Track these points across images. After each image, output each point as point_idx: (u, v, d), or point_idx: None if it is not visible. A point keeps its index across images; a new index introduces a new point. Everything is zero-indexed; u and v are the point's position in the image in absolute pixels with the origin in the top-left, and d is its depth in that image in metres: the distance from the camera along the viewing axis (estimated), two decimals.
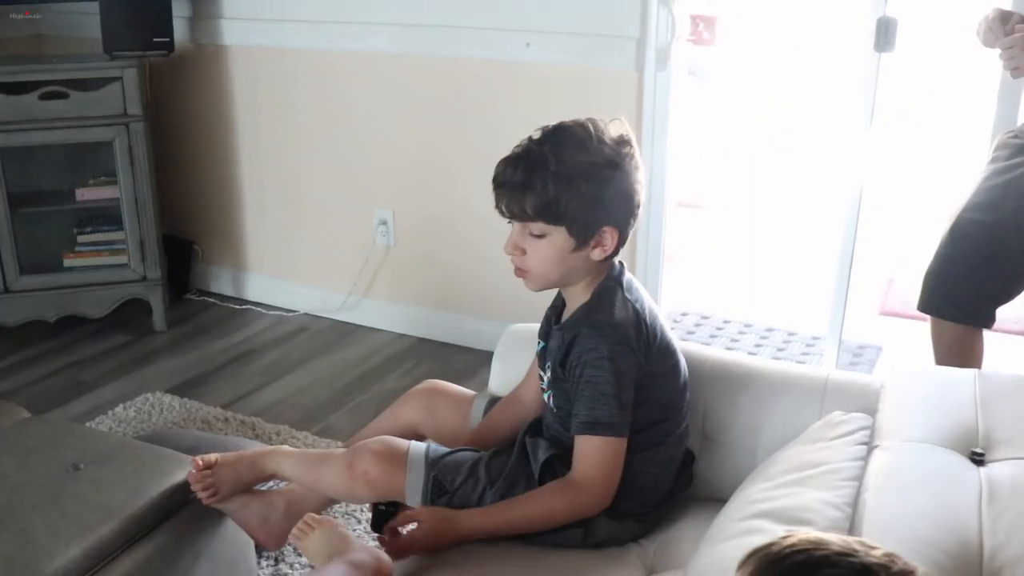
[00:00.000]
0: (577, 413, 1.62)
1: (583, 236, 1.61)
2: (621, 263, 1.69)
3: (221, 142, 3.96)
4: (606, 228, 1.60)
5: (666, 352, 1.70)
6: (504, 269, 3.31)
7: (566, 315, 1.72)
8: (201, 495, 1.88)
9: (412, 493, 1.69)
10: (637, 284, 1.71)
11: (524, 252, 1.63)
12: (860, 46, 2.92)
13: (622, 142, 1.61)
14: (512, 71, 3.28)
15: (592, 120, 1.61)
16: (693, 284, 4.36)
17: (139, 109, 3.53)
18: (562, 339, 1.68)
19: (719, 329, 3.89)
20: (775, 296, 4.28)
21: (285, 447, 1.93)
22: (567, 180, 1.57)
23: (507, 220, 1.65)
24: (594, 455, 1.61)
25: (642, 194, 1.63)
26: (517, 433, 1.81)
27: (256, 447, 2.52)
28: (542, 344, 1.79)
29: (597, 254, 1.63)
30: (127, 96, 3.51)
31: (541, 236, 1.61)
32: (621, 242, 1.64)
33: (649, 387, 1.66)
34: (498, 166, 1.62)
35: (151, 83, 3.83)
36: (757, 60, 5.87)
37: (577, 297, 1.69)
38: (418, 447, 1.73)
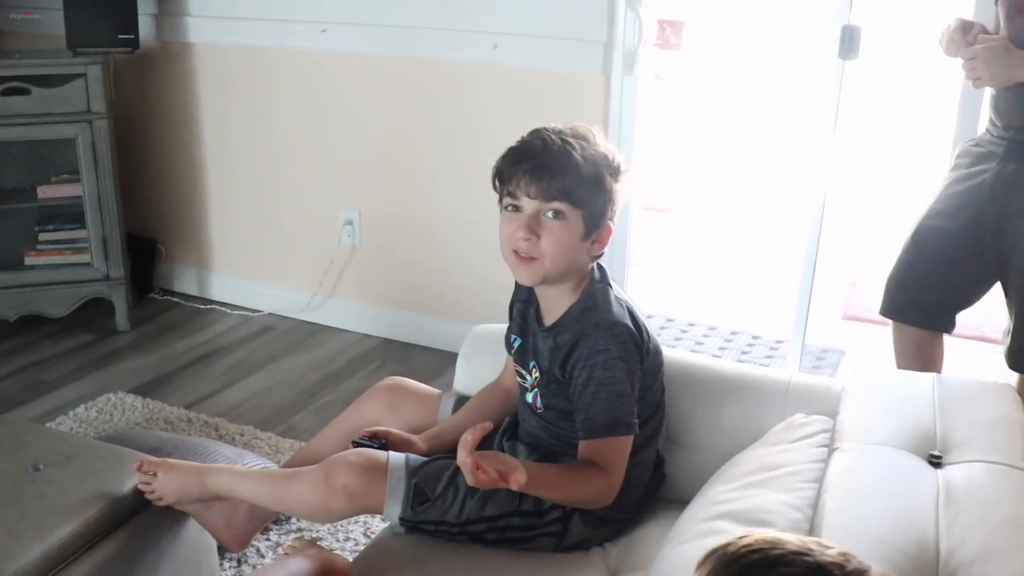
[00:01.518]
0: (591, 416, 1.61)
1: (592, 226, 1.63)
2: (603, 267, 1.71)
3: (186, 141, 3.94)
4: (608, 224, 1.64)
5: (656, 350, 1.73)
6: (470, 269, 3.53)
7: (549, 315, 1.71)
8: (148, 497, 1.86)
9: (392, 503, 1.68)
10: (620, 287, 1.73)
11: (538, 238, 1.62)
12: (825, 53, 2.95)
13: (615, 150, 1.66)
14: (479, 73, 3.28)
15: (585, 125, 1.66)
16: (659, 287, 4.36)
17: (103, 106, 3.51)
18: (556, 341, 1.67)
19: (684, 332, 3.90)
20: (740, 300, 4.29)
21: (238, 466, 1.91)
22: (592, 166, 1.60)
23: (508, 208, 1.63)
24: (617, 455, 1.61)
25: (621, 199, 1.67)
26: (506, 418, 1.83)
27: (222, 449, 2.51)
28: (519, 341, 1.78)
29: (595, 249, 1.65)
30: (91, 93, 3.48)
31: (558, 218, 1.60)
32: (606, 243, 1.68)
33: (643, 384, 1.67)
34: (513, 152, 1.63)
35: (116, 80, 3.80)
36: (723, 65, 5.91)
37: (560, 298, 1.69)
38: (397, 456, 1.71)
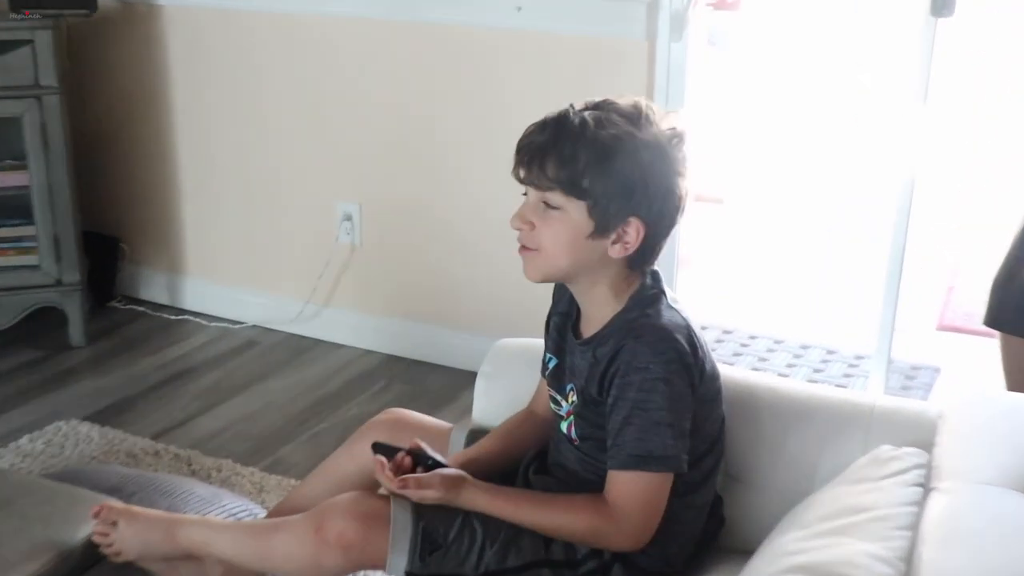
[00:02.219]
0: (621, 444, 1.63)
1: (604, 222, 1.63)
2: (656, 273, 1.72)
3: (155, 121, 3.94)
4: (632, 219, 1.63)
5: (713, 372, 1.73)
6: (493, 273, 3.54)
7: (588, 326, 1.74)
8: (105, 551, 1.85)
9: (397, 554, 1.68)
10: (675, 295, 1.74)
11: (533, 227, 1.66)
12: (913, 10, 2.93)
13: (674, 133, 1.65)
14: (501, 40, 3.30)
15: (648, 103, 1.66)
16: (713, 292, 4.37)
17: (54, 79, 3.51)
18: (594, 356, 1.69)
19: (744, 346, 3.91)
20: (811, 306, 4.29)
21: (215, 518, 1.90)
22: (600, 151, 1.60)
23: (523, 192, 1.69)
24: (638, 493, 1.63)
25: (685, 195, 1.66)
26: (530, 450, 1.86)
27: (195, 488, 2.49)
28: (554, 361, 1.81)
29: (617, 251, 1.65)
30: (39, 63, 3.49)
31: (557, 209, 1.64)
32: (649, 244, 1.66)
33: (697, 414, 1.67)
34: (525, 132, 1.67)
35: (70, 48, 3.81)
36: (788, 28, 5.91)
37: (601, 304, 1.71)
38: (401, 501, 1.73)
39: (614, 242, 1.64)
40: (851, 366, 3.71)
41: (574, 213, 1.63)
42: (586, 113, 1.63)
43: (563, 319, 1.81)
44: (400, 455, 1.75)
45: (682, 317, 1.68)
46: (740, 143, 5.58)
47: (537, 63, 3.26)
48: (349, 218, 3.70)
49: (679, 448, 1.62)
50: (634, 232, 1.63)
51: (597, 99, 1.66)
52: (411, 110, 3.50)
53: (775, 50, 5.89)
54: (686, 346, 1.63)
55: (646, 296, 1.68)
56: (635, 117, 1.63)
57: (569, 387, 1.75)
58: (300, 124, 3.70)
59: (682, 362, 1.62)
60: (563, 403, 1.78)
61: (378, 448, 1.78)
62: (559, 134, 1.62)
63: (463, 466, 1.82)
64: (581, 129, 1.61)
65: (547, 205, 1.64)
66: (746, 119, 5.69)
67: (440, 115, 3.46)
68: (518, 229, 1.67)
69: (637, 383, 1.61)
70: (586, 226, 1.63)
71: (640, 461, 1.61)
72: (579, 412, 1.74)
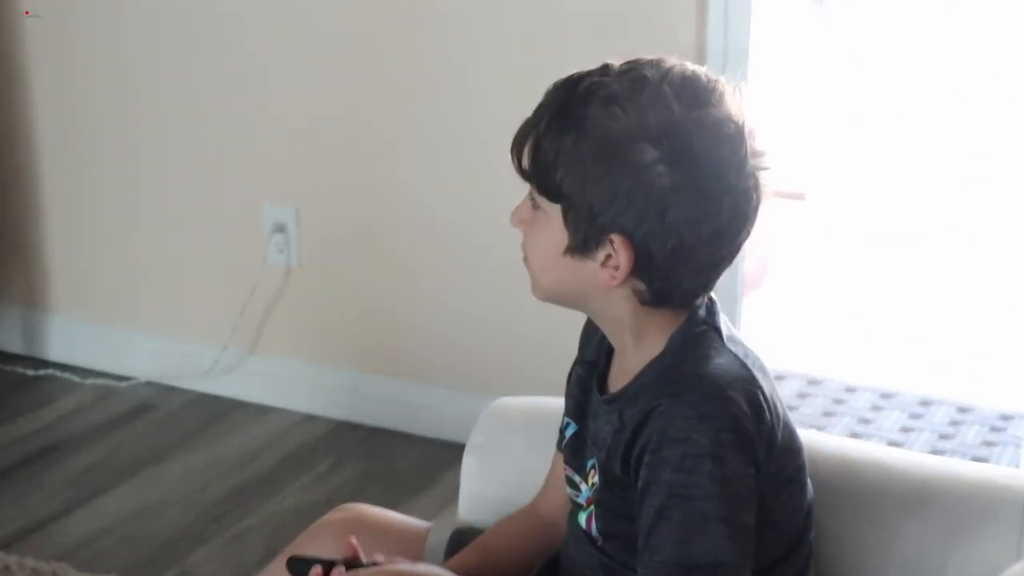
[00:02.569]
0: (655, 547, 1.61)
1: (581, 234, 1.65)
2: (711, 301, 1.73)
3: (5, 114, 3.95)
4: (622, 239, 1.63)
5: (791, 442, 1.72)
6: (486, 303, 3.53)
7: (618, 378, 1.75)
8: None
9: None
10: (736, 333, 1.74)
11: (523, 226, 1.72)
12: None
13: (730, 125, 1.63)
14: None
15: (713, 76, 1.66)
16: (792, 326, 4.35)
17: None
18: (620, 418, 1.69)
19: (839, 402, 3.89)
20: (931, 346, 4.26)
21: None
22: (583, 139, 1.63)
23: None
24: None
25: (744, 213, 1.66)
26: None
27: None
28: (573, 428, 1.82)
29: (603, 277, 1.65)
30: None
31: (540, 210, 1.69)
32: (661, 275, 1.65)
33: (768, 500, 1.66)
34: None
35: None
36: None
37: (631, 347, 1.72)
38: None
39: (603, 265, 1.65)
40: (995, 430, 3.68)
41: (552, 218, 1.66)
42: (606, 80, 1.64)
43: (588, 370, 1.81)
44: (336, 572, 1.75)
45: (742, 364, 1.67)
46: (832, 125, 5.68)
47: (536, 19, 3.29)
48: (282, 230, 3.70)
49: (737, 552, 1.60)
50: (624, 257, 1.63)
51: (648, 57, 1.66)
52: (365, 89, 3.53)
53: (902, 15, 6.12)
54: (745, 406, 1.62)
55: (691, 335, 1.68)
56: (663, 93, 1.62)
57: (591, 463, 1.75)
58: (210, 108, 3.73)
59: (738, 430, 1.60)
60: (582, 486, 1.78)
61: (295, 567, 1.78)
62: (554, 107, 1.65)
63: None
64: (575, 103, 1.64)
65: (534, 203, 1.69)
66: (845, 96, 5.82)
67: (410, 83, 3.47)
68: (515, 227, 1.72)
69: (675, 460, 1.59)
70: (560, 238, 1.66)
71: (682, 572, 1.59)
72: (600, 498, 1.73)
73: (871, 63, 6.23)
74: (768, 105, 3.59)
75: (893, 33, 6.28)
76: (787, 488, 1.71)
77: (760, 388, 1.66)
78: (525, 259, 1.72)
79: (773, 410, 1.66)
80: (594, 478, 1.74)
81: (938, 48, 6.36)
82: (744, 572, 1.60)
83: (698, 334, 1.68)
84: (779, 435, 1.67)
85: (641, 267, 1.63)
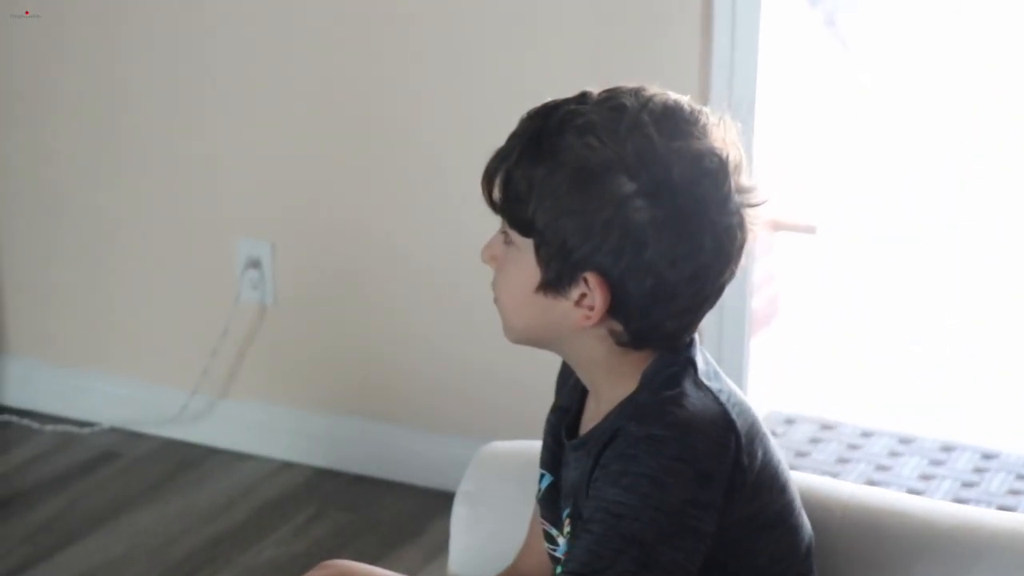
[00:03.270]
0: (570, 555, 1.64)
1: (554, 271, 1.65)
2: (693, 340, 1.74)
3: None
4: (597, 278, 1.63)
5: (772, 483, 1.70)
6: (468, 341, 3.57)
7: (591, 420, 1.75)
8: None
9: None
10: (719, 369, 1.76)
11: (495, 263, 1.73)
12: None
13: (713, 158, 1.62)
14: (479, 3, 3.40)
15: (698, 106, 1.67)
16: (804, 366, 4.39)
17: None
18: (588, 460, 1.69)
19: (855, 447, 3.89)
20: (953, 387, 4.29)
21: None
22: (557, 169, 1.63)
23: None
24: None
25: (724, 263, 1.66)
26: None
27: None
28: (548, 479, 1.83)
29: (578, 318, 1.66)
30: None
31: (513, 245, 1.69)
32: (639, 316, 1.65)
33: (745, 543, 1.68)
34: None
35: None
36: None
37: (608, 388, 1.72)
38: None
39: (576, 304, 1.65)
40: (1022, 477, 3.70)
41: (524, 254, 1.67)
42: (583, 108, 1.65)
43: (560, 416, 1.82)
44: None
45: (715, 399, 1.66)
46: (843, 152, 5.82)
47: (529, 31, 3.32)
48: (256, 265, 3.69)
49: None
50: (600, 295, 1.63)
51: (629, 86, 1.66)
52: (352, 95, 3.53)
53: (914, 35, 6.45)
54: (709, 443, 1.61)
55: (665, 373, 1.67)
56: (668, 125, 1.63)
57: (566, 513, 1.75)
58: (181, 134, 3.72)
59: (694, 464, 1.59)
60: (559, 540, 1.78)
61: None
62: (527, 136, 1.66)
63: None
64: (555, 133, 1.63)
65: (506, 238, 1.70)
66: (856, 119, 6.03)
67: (396, 106, 3.50)
68: (486, 263, 1.74)
69: (616, 475, 1.60)
70: (533, 275, 1.66)
71: None
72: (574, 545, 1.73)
73: (871, 63, 6.58)
74: (776, 130, 3.59)
75: (893, 33, 6.65)
76: (768, 531, 1.70)
77: (732, 426, 1.65)
78: (496, 299, 1.73)
79: (746, 450, 1.65)
80: (567, 528, 1.75)
81: (938, 48, 6.70)
82: None
83: (673, 372, 1.68)
84: (752, 476, 1.66)
85: (617, 307, 1.65)
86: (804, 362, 4.43)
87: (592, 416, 1.75)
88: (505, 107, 2.88)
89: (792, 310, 4.71)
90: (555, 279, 1.65)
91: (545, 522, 1.81)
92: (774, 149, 4.07)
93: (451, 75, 3.41)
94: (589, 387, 1.76)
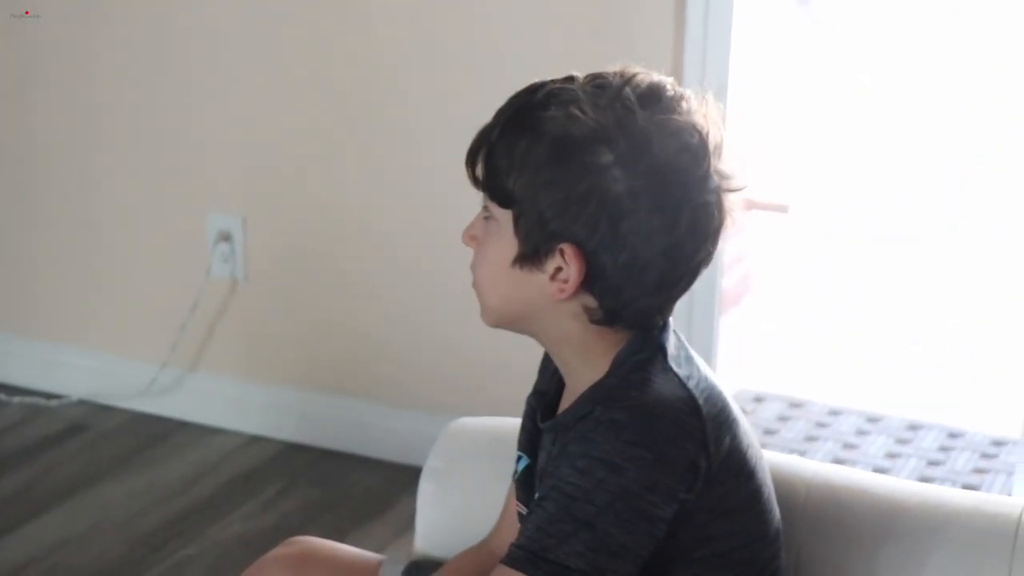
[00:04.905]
0: (521, 530, 1.65)
1: (532, 243, 1.67)
2: (664, 323, 1.74)
3: None
4: (572, 248, 1.65)
5: (739, 470, 1.71)
6: (447, 320, 3.53)
7: (563, 405, 1.77)
8: None
9: None
10: (694, 354, 1.76)
11: (475, 244, 1.74)
12: None
13: (694, 135, 1.65)
14: None
15: (679, 88, 1.68)
16: (774, 346, 4.41)
17: None
18: (554, 443, 1.72)
19: (823, 426, 3.92)
20: (920, 367, 4.30)
21: None
22: (538, 141, 1.64)
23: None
24: None
25: (699, 242, 1.67)
26: None
27: None
28: (526, 461, 1.83)
29: (552, 290, 1.67)
30: None
31: (492, 220, 1.71)
32: (613, 292, 1.67)
33: (709, 527, 1.68)
34: None
35: None
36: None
37: (580, 369, 1.74)
38: None
39: (552, 278, 1.67)
40: (986, 456, 3.70)
41: (503, 229, 1.68)
42: (569, 87, 1.66)
43: (538, 400, 1.83)
44: None
45: (682, 385, 1.68)
46: (816, 132, 5.83)
47: (511, 10, 3.31)
48: (227, 238, 3.70)
49: (588, 566, 1.60)
50: (574, 268, 1.65)
51: (614, 68, 1.68)
52: (325, 67, 3.53)
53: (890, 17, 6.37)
54: (670, 429, 1.63)
55: (635, 358, 1.69)
56: (650, 100, 1.65)
57: (537, 496, 1.74)
58: (149, 102, 3.71)
59: (653, 450, 1.61)
60: None
61: None
62: (511, 111, 1.68)
63: None
64: (538, 107, 1.65)
65: (486, 213, 1.71)
66: (831, 99, 6.01)
67: (370, 80, 3.49)
68: (467, 245, 1.74)
69: (573, 457, 1.62)
70: (510, 248, 1.68)
71: (528, 558, 1.61)
72: None
73: (871, 63, 6.52)
74: (751, 112, 3.62)
75: (893, 33, 6.62)
76: (734, 517, 1.71)
77: (697, 412, 1.66)
78: (474, 282, 1.74)
79: (712, 436, 1.66)
80: None
81: (938, 48, 6.67)
82: None
83: (643, 358, 1.69)
84: (717, 463, 1.66)
85: (592, 281, 1.65)
86: (774, 341, 4.43)
87: (567, 400, 1.76)
88: (479, 84, 2.95)
89: (763, 289, 4.73)
90: (532, 251, 1.66)
91: (519, 504, 1.82)
92: (747, 128, 4.08)
93: (424, 51, 3.39)
94: (563, 370, 1.77)
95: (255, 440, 3.71)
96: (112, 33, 3.71)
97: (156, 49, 3.67)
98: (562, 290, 1.66)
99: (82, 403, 3.89)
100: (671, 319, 1.73)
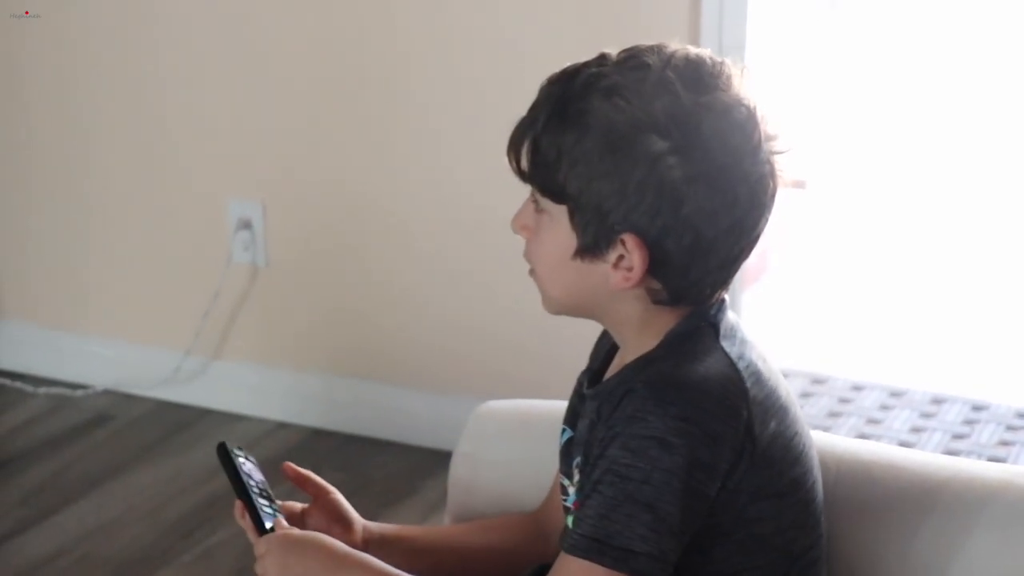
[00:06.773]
0: (581, 518, 1.64)
1: (591, 235, 1.66)
2: (722, 301, 1.75)
3: None
4: (634, 238, 1.65)
5: (783, 455, 1.71)
6: (462, 300, 3.50)
7: (610, 373, 1.78)
8: None
9: None
10: (749, 337, 1.76)
11: (529, 233, 1.73)
12: None
13: (741, 109, 1.65)
14: None
15: (711, 58, 1.67)
16: (795, 321, 4.39)
17: None
18: (597, 412, 1.71)
19: (845, 401, 3.92)
20: (944, 340, 4.27)
21: None
22: (586, 134, 1.64)
23: None
24: None
25: (759, 214, 1.68)
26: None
27: None
28: (568, 433, 1.84)
29: (617, 280, 1.67)
30: None
31: (545, 213, 1.70)
32: (678, 273, 1.67)
33: (752, 513, 1.68)
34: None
35: None
36: None
37: (635, 343, 1.74)
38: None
39: (615, 267, 1.67)
40: (1011, 429, 3.70)
41: (558, 220, 1.68)
42: (605, 71, 1.65)
43: (586, 375, 1.84)
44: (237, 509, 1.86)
45: (731, 364, 1.68)
46: (835, 109, 5.76)
47: (521, 10, 3.28)
48: (247, 226, 3.70)
49: (654, 546, 1.61)
50: (635, 255, 1.64)
51: (647, 43, 1.67)
52: (345, 54, 3.52)
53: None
54: (716, 406, 1.63)
55: (681, 333, 1.70)
56: (693, 80, 1.63)
57: (575, 462, 1.76)
58: (168, 89, 3.70)
59: (700, 425, 1.61)
60: (570, 489, 1.79)
61: (221, 456, 1.89)
62: (551, 103, 1.67)
63: (383, 539, 1.93)
64: (579, 98, 1.64)
65: (537, 206, 1.70)
66: (850, 75, 5.95)
67: (386, 65, 3.48)
68: (517, 233, 1.73)
69: (624, 438, 1.61)
70: (569, 241, 1.68)
71: (593, 547, 1.61)
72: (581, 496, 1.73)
73: (877, 56, 6.40)
74: (767, 87, 3.63)
75: (896, 30, 6.48)
76: (776, 502, 1.70)
77: (744, 391, 1.66)
78: (531, 271, 1.74)
79: (758, 418, 1.66)
80: (577, 478, 1.75)
81: (938, 48, 6.55)
82: (659, 568, 1.61)
83: (692, 331, 1.69)
84: (762, 446, 1.67)
85: (656, 266, 1.65)
86: (795, 316, 4.41)
87: (614, 370, 1.76)
88: (494, 61, 2.92)
89: (782, 265, 4.73)
90: (592, 243, 1.65)
91: (561, 474, 1.82)
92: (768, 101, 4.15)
93: (439, 32, 3.37)
94: (619, 344, 1.77)
95: (279, 427, 3.73)
96: (134, 14, 3.71)
97: (176, 35, 3.67)
98: (627, 279, 1.66)
99: (107, 393, 3.90)
100: (727, 298, 1.73)
